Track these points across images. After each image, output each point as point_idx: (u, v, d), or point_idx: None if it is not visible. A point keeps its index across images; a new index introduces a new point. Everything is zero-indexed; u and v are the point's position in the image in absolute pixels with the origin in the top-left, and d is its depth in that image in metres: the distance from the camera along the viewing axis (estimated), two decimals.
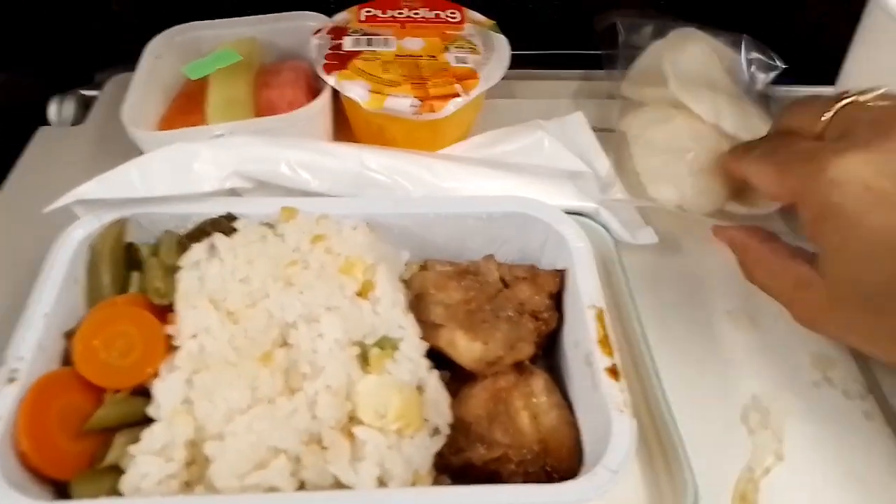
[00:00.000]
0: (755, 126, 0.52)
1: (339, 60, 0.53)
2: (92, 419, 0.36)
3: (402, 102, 0.51)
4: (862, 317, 0.35)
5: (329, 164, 0.46)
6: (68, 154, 0.60)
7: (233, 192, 0.46)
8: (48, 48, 0.88)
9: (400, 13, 0.59)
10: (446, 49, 0.55)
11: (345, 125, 0.56)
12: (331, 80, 0.52)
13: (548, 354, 0.43)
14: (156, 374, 0.38)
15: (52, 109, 0.66)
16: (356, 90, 0.51)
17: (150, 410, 0.36)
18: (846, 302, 0.35)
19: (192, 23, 0.59)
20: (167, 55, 0.57)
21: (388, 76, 0.52)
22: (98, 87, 0.71)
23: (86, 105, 0.67)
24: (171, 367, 0.37)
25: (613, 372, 0.37)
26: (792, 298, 0.38)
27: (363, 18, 0.58)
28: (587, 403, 0.38)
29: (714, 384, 0.45)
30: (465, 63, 0.54)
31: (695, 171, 0.50)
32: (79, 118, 0.66)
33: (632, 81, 0.59)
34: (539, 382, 0.39)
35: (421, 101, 0.51)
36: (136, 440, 0.36)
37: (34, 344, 0.37)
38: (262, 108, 0.53)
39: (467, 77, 0.52)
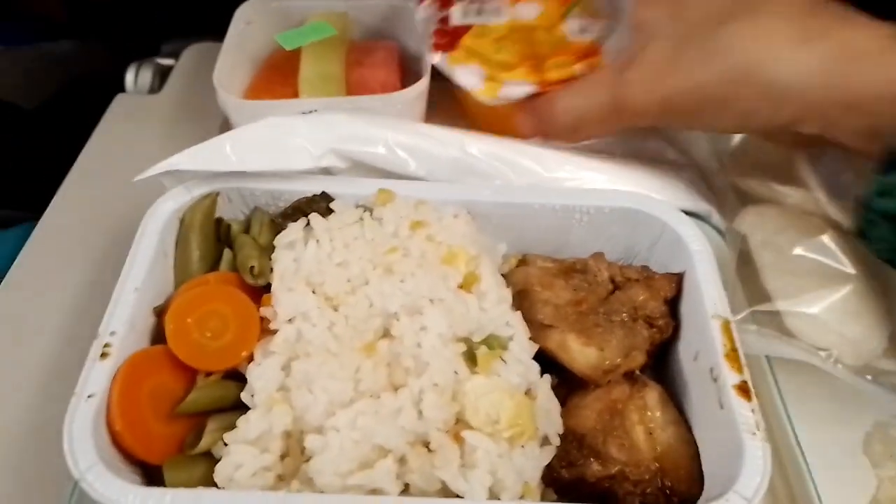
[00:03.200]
0: None
1: (448, 38, 0.48)
2: (184, 402, 0.34)
3: (517, 90, 0.45)
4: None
5: (428, 147, 0.43)
6: (146, 122, 0.59)
7: (325, 171, 0.44)
8: (121, 18, 0.88)
9: None
10: (565, 15, 0.48)
11: (437, 107, 0.53)
12: (441, 62, 0.47)
13: (656, 365, 0.40)
14: (250, 358, 0.36)
15: (129, 77, 0.65)
16: (469, 77, 0.46)
17: (244, 396, 0.34)
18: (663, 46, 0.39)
19: None
20: (257, 21, 0.55)
21: (502, 56, 0.46)
22: (171, 56, 0.70)
23: (162, 74, 0.66)
24: (267, 352, 0.35)
25: (744, 390, 0.34)
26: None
27: None
28: (710, 422, 0.35)
29: (834, 408, 0.41)
30: (585, 34, 0.47)
31: (851, 311, 0.40)
32: (155, 87, 0.64)
33: (743, 166, 0.48)
34: (654, 395, 0.36)
35: (539, 86, 0.45)
36: (228, 426, 0.34)
37: (126, 319, 0.36)
38: (354, 86, 0.51)
39: (588, 54, 0.45)
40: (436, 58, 0.47)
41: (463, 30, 0.48)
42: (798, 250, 0.41)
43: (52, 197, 0.53)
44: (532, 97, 0.45)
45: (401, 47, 0.57)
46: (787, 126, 0.37)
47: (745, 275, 0.44)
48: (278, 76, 0.52)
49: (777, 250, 0.42)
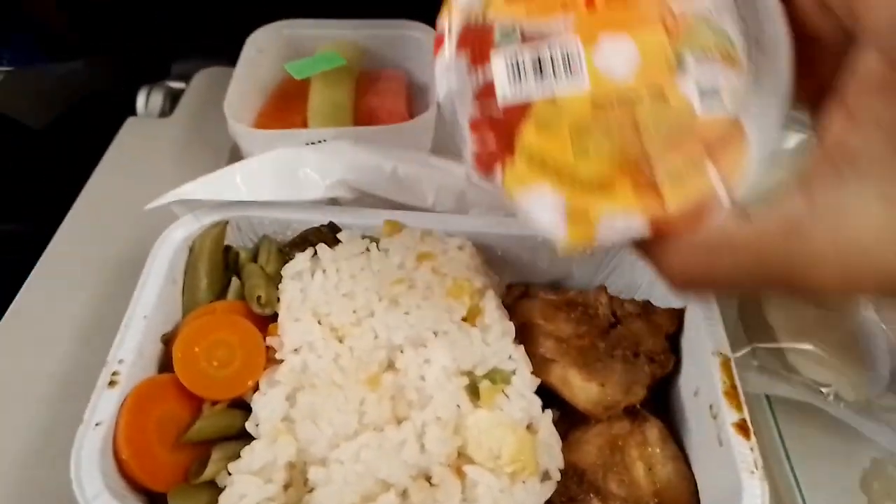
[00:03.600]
0: None
1: (498, 133, 0.27)
2: (190, 431, 0.35)
3: (623, 228, 0.27)
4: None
5: (435, 178, 0.44)
6: (157, 146, 0.60)
7: (334, 201, 0.44)
8: (131, 39, 0.89)
9: None
10: (679, 61, 0.27)
11: (446, 137, 0.54)
12: (492, 183, 0.28)
13: (655, 399, 0.41)
14: (255, 387, 0.36)
15: (140, 100, 0.66)
16: (543, 216, 0.27)
17: (249, 425, 0.35)
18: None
19: (294, 19, 0.58)
20: (268, 49, 0.56)
21: (589, 166, 0.27)
22: (180, 78, 0.71)
23: (173, 97, 0.67)
24: (273, 382, 0.36)
25: (743, 428, 0.34)
26: (788, 253, 0.24)
27: None
28: (709, 459, 0.35)
29: (832, 445, 0.41)
30: (718, 103, 0.27)
31: (852, 348, 0.39)
32: (166, 110, 0.65)
33: None
34: (654, 431, 0.37)
35: (653, 223, 0.26)
36: (233, 455, 0.34)
37: (134, 347, 0.36)
38: (362, 116, 0.52)
39: (727, 142, 0.27)
40: (488, 180, 0.28)
41: (520, 112, 0.27)
42: None
43: (61, 216, 0.54)
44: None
45: (409, 75, 0.58)
46: None
47: (747, 310, 0.44)
48: (288, 104, 0.53)
49: None
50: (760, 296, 0.43)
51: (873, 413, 0.40)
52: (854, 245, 0.23)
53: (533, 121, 0.27)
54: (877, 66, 0.22)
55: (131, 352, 0.36)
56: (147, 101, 0.66)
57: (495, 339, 0.37)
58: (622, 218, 0.27)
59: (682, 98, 0.27)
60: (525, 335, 0.39)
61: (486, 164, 0.28)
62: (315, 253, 0.40)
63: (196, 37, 0.78)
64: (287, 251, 0.41)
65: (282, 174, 0.42)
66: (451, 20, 0.28)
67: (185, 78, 0.71)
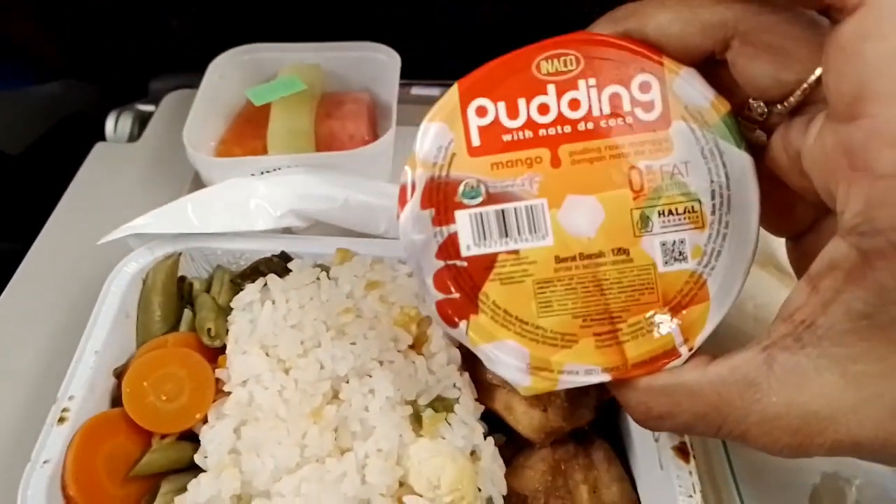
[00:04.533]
0: None
1: (460, 286, 0.29)
2: (139, 465, 0.35)
3: (583, 378, 0.28)
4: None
5: (388, 206, 0.44)
6: (122, 172, 0.60)
7: (287, 231, 0.45)
8: (104, 59, 0.90)
9: (541, 100, 0.28)
10: (644, 221, 0.28)
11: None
12: (459, 334, 0.29)
13: (605, 419, 0.41)
14: (204, 419, 0.37)
15: (110, 125, 0.66)
16: (507, 368, 0.29)
17: (198, 458, 0.36)
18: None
19: (256, 44, 0.58)
20: (230, 75, 0.57)
21: (552, 321, 0.28)
22: (154, 100, 0.72)
23: (142, 120, 0.67)
24: (220, 415, 0.36)
25: (683, 452, 0.34)
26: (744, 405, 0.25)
27: (475, 142, 0.28)
28: (651, 482, 0.36)
29: (778, 462, 0.42)
30: (682, 261, 0.28)
31: None
32: (135, 134, 0.66)
33: None
34: (600, 453, 0.37)
35: (613, 373, 0.28)
36: (181, 488, 0.35)
37: (85, 382, 0.37)
38: (323, 140, 0.52)
39: (688, 303, 0.28)
40: (452, 331, 0.29)
41: (483, 267, 0.29)
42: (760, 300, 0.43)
43: (30, 242, 0.54)
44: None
45: (372, 97, 0.59)
46: None
47: None
48: (250, 129, 0.54)
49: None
50: None
51: None
52: (809, 411, 0.24)
53: (496, 275, 0.28)
54: (850, 254, 0.23)
55: (82, 387, 0.37)
56: (115, 125, 0.66)
57: (440, 367, 0.38)
58: (584, 370, 0.28)
59: (646, 256, 0.28)
60: (472, 361, 0.40)
61: (449, 318, 0.29)
62: (265, 284, 0.41)
63: (172, 57, 0.79)
64: (238, 282, 0.42)
65: (233, 205, 0.43)
66: (414, 174, 0.29)
67: (158, 100, 0.71)
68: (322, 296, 0.40)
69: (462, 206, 0.28)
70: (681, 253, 0.28)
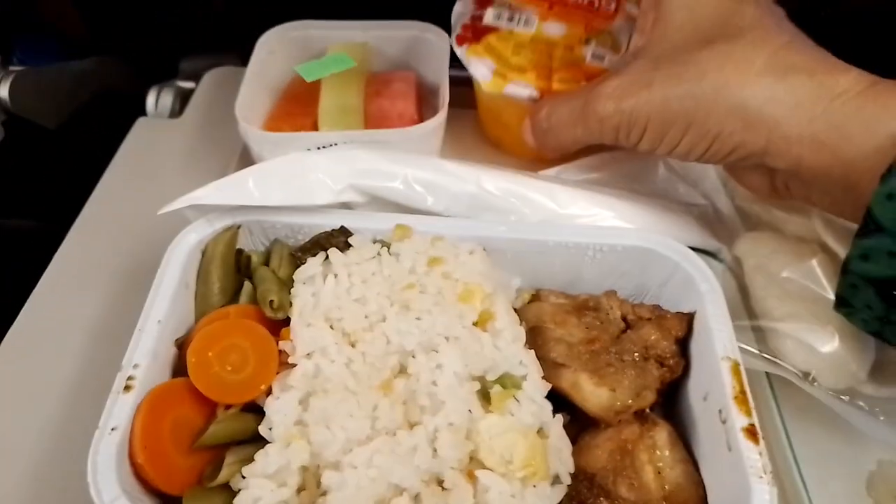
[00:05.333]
0: None
1: (474, 33, 0.52)
2: (205, 435, 0.35)
3: (521, 90, 0.50)
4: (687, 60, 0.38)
5: (446, 183, 0.44)
6: (167, 147, 0.60)
7: (345, 206, 0.44)
8: (141, 38, 0.89)
9: None
10: (586, 42, 0.52)
11: (455, 141, 0.54)
12: (460, 51, 0.52)
13: (665, 403, 0.41)
14: (268, 391, 0.37)
15: (150, 101, 0.66)
16: (480, 69, 0.51)
17: (262, 429, 0.35)
18: (673, 51, 0.39)
19: (304, 21, 0.57)
20: (278, 51, 0.56)
21: (517, 60, 0.51)
22: (188, 77, 0.72)
23: (182, 97, 0.67)
24: (285, 386, 0.36)
25: (752, 433, 0.34)
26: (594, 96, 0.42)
27: None
28: (717, 463, 0.36)
29: (838, 448, 0.41)
30: (600, 61, 0.51)
31: (835, 336, 0.40)
32: (176, 110, 0.66)
33: (747, 192, 0.47)
34: (663, 434, 0.37)
35: (541, 93, 0.49)
36: (246, 459, 0.35)
37: (149, 351, 0.37)
38: (372, 117, 0.52)
39: (597, 78, 0.46)
40: (457, 48, 0.52)
41: (490, 30, 0.52)
42: (786, 273, 0.43)
43: (73, 214, 0.54)
44: (534, 102, 0.50)
45: (419, 77, 0.58)
46: (758, 156, 0.37)
47: (739, 297, 0.45)
48: (298, 106, 0.54)
49: (767, 274, 0.44)
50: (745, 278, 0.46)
51: (852, 397, 0.41)
52: (611, 90, 0.41)
53: (497, 34, 0.52)
54: None
55: (146, 356, 0.36)
56: (157, 101, 0.66)
57: (506, 344, 0.37)
58: (523, 85, 0.50)
59: (580, 53, 0.51)
60: (536, 339, 0.39)
61: (461, 41, 0.52)
62: (327, 257, 0.41)
63: (203, 35, 0.78)
64: (299, 255, 0.41)
65: (294, 179, 0.43)
66: None
67: (194, 77, 0.71)
68: (384, 270, 0.40)
69: (494, 5, 0.54)
70: (601, 58, 0.51)
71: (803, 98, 0.34)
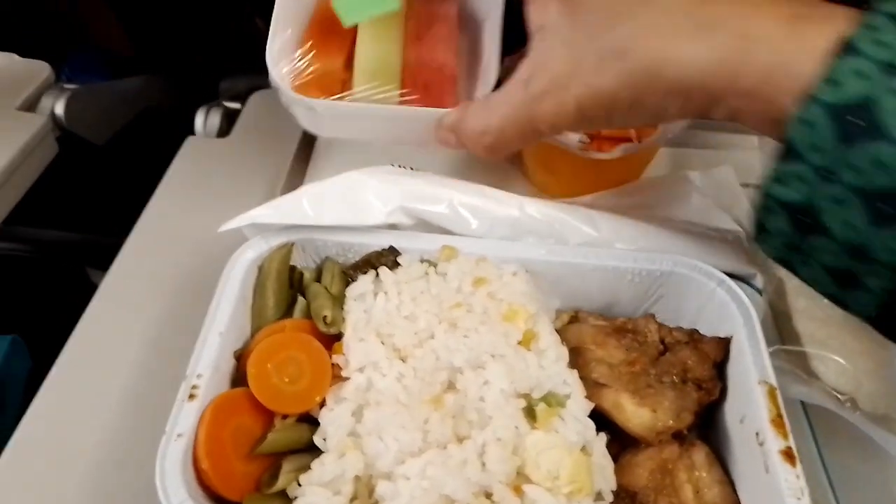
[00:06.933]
0: None
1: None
2: (264, 443, 0.37)
3: (571, 137, 0.51)
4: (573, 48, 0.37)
5: (489, 207, 0.46)
6: (216, 165, 0.63)
7: (392, 227, 0.47)
8: (184, 58, 0.92)
9: None
10: None
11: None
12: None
13: (701, 425, 0.42)
14: (323, 403, 0.38)
15: (199, 120, 0.69)
16: None
17: (317, 439, 0.37)
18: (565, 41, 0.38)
19: None
20: None
21: None
22: (230, 98, 0.75)
23: (228, 117, 0.70)
24: (339, 399, 0.38)
25: (789, 456, 0.35)
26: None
27: None
28: (755, 485, 0.37)
29: (872, 470, 0.42)
30: None
31: (874, 362, 0.41)
32: (224, 129, 0.68)
33: None
34: (701, 455, 0.38)
35: (591, 138, 0.50)
36: (302, 467, 0.36)
37: (211, 362, 0.39)
38: (411, 71, 0.48)
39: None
40: None
41: None
42: None
43: (125, 229, 0.57)
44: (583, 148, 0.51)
45: (460, 8, 0.53)
46: (699, 115, 0.37)
47: (779, 320, 0.46)
48: (328, 43, 0.49)
49: (811, 296, 0.45)
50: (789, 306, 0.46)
51: (889, 424, 0.41)
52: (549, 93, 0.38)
53: None
54: None
55: (208, 367, 0.38)
56: (206, 120, 0.69)
57: (550, 364, 0.39)
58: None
59: None
60: (577, 359, 0.41)
61: None
62: (377, 275, 0.43)
63: (243, 56, 0.82)
64: (350, 273, 0.43)
65: (346, 200, 0.45)
66: None
67: (234, 97, 0.74)
68: (432, 289, 0.42)
69: None
70: None
71: (723, 53, 0.33)
